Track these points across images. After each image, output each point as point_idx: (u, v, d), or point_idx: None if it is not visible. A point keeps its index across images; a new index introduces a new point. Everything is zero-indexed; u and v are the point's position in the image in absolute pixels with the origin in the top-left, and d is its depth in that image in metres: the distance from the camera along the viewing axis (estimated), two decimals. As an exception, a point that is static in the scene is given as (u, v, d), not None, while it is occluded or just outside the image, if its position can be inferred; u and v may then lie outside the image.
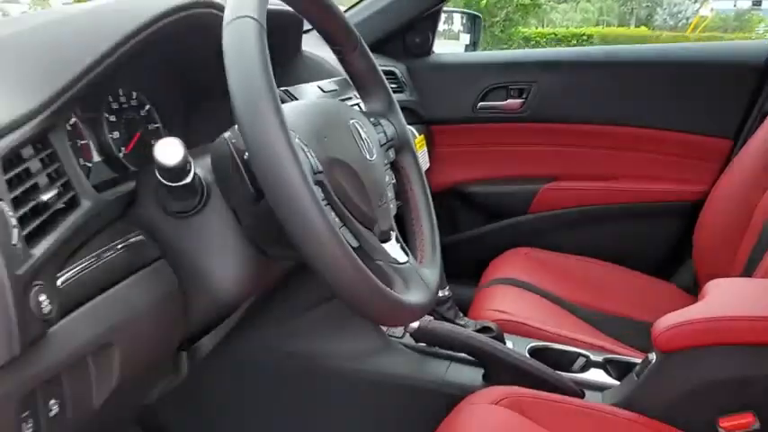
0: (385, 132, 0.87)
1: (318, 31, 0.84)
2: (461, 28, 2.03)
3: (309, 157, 0.65)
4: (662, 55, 1.72)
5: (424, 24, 1.72)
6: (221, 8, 0.68)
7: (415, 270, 0.76)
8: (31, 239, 0.52)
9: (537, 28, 17.44)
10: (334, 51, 0.86)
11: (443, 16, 1.87)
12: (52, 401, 0.54)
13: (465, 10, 2.11)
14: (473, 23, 1.95)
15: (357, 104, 1.06)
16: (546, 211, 1.75)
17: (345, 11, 1.71)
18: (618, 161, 1.69)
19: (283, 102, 0.95)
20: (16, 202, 0.51)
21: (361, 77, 0.89)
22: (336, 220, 0.67)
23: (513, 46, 14.87)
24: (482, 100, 1.75)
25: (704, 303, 0.95)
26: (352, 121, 0.78)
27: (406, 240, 0.87)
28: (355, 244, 0.68)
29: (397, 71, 1.68)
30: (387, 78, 1.60)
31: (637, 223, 1.69)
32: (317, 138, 0.69)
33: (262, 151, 0.57)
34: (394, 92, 1.59)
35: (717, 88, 1.59)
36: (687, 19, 17.15)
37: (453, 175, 1.81)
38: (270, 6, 0.66)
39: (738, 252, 1.27)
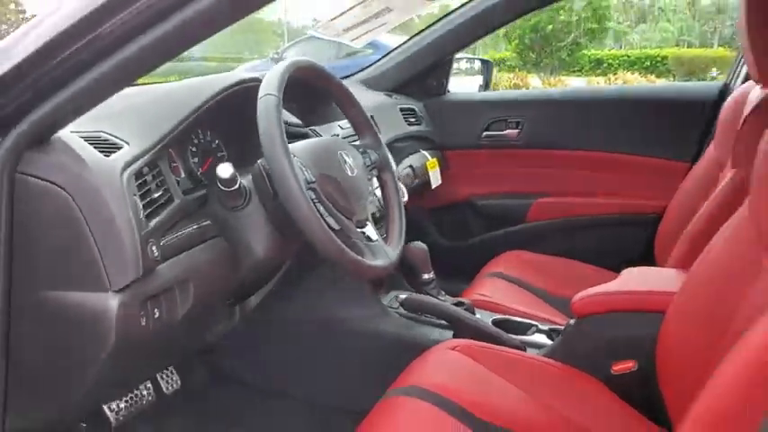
0: (370, 158, 1.25)
1: (331, 97, 1.25)
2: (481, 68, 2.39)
3: (306, 173, 1.05)
4: (633, 94, 2.04)
5: (438, 71, 2.09)
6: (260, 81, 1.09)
7: (381, 246, 1.14)
8: (148, 218, 0.93)
9: (610, 50, 17.23)
10: (340, 108, 1.26)
11: (465, 60, 2.26)
12: (155, 309, 0.93)
13: (477, 56, 2.47)
14: (486, 68, 2.32)
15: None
16: (538, 221, 2.06)
17: (388, 53, 2.10)
18: (596, 180, 1.99)
19: (308, 137, 1.35)
20: (141, 198, 0.93)
21: (356, 125, 1.29)
22: (324, 211, 1.05)
23: (584, 68, 14.85)
24: (486, 130, 2.10)
25: (611, 283, 1.25)
26: (340, 152, 1.16)
27: (385, 228, 1.26)
28: (337, 227, 1.06)
29: (416, 108, 2.06)
30: (407, 114, 2.02)
31: (612, 231, 1.96)
32: (314, 161, 1.08)
33: (277, 170, 0.98)
34: (412, 125, 2.00)
35: (678, 120, 1.87)
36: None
37: (463, 191, 2.16)
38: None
39: None
